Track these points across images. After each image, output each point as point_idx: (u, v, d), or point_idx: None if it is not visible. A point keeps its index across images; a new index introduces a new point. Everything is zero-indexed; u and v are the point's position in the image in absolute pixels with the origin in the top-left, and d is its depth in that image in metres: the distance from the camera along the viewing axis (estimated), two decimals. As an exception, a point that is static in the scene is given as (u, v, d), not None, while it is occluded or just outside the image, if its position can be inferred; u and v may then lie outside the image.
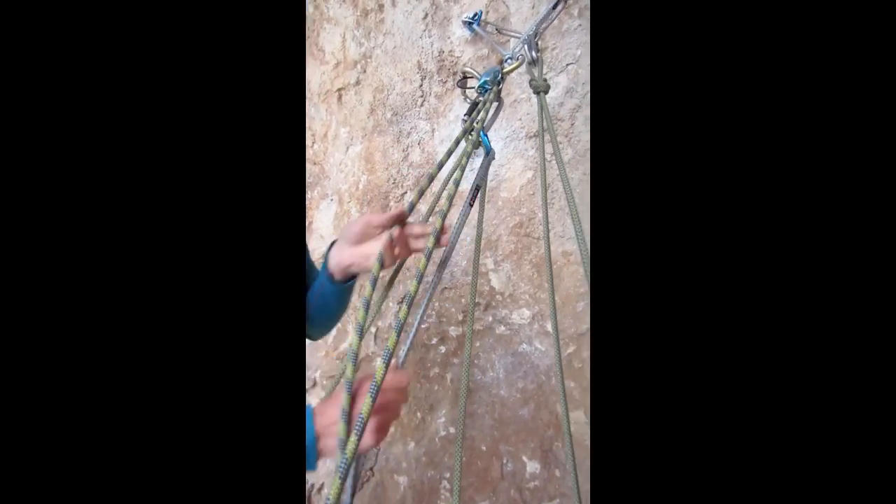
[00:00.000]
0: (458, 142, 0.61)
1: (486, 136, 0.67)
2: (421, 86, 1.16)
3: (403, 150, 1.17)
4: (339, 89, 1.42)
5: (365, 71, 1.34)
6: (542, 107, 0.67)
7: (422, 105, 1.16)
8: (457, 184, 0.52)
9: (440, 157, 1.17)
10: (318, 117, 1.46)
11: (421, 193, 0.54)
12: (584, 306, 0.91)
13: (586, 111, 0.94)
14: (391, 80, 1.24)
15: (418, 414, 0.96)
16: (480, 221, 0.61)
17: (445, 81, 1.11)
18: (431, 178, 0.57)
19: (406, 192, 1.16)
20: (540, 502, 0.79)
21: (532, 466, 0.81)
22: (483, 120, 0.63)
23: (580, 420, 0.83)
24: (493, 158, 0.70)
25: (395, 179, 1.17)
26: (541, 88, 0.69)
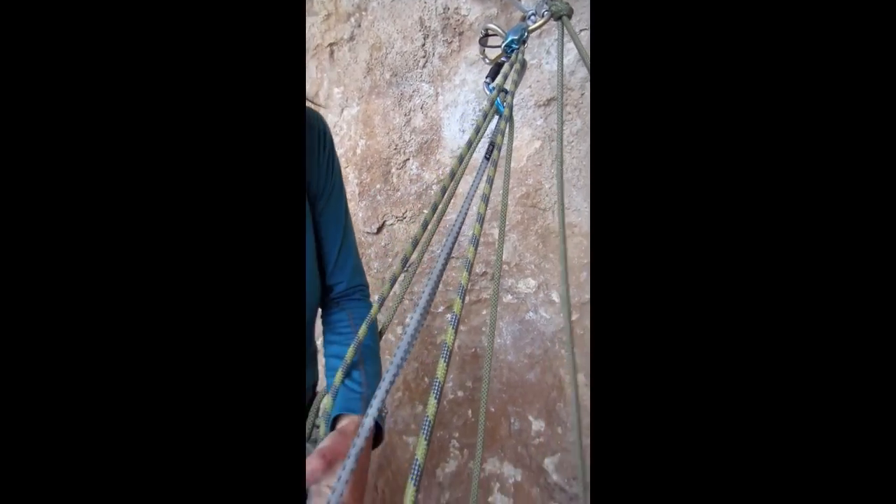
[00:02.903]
0: (492, 103, 0.57)
1: (500, 101, 0.64)
2: (423, 45, 1.10)
3: (405, 115, 1.12)
4: (331, 44, 1.33)
5: (360, 25, 1.25)
6: (565, 33, 0.60)
7: (424, 66, 1.11)
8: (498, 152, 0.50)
9: (445, 122, 1.13)
10: (308, 75, 1.37)
11: (454, 176, 0.52)
12: (586, 276, 0.95)
13: (597, 81, 0.92)
14: (390, 37, 1.16)
15: (426, 379, 1.00)
16: (507, 183, 0.60)
17: (450, 42, 1.05)
18: (460, 157, 0.54)
19: (409, 159, 1.13)
20: (544, 457, 0.86)
21: (537, 425, 0.87)
22: (516, 82, 0.59)
23: (581, 382, 0.89)
24: (508, 122, 0.66)
25: (396, 145, 1.14)
26: (563, 12, 0.58)
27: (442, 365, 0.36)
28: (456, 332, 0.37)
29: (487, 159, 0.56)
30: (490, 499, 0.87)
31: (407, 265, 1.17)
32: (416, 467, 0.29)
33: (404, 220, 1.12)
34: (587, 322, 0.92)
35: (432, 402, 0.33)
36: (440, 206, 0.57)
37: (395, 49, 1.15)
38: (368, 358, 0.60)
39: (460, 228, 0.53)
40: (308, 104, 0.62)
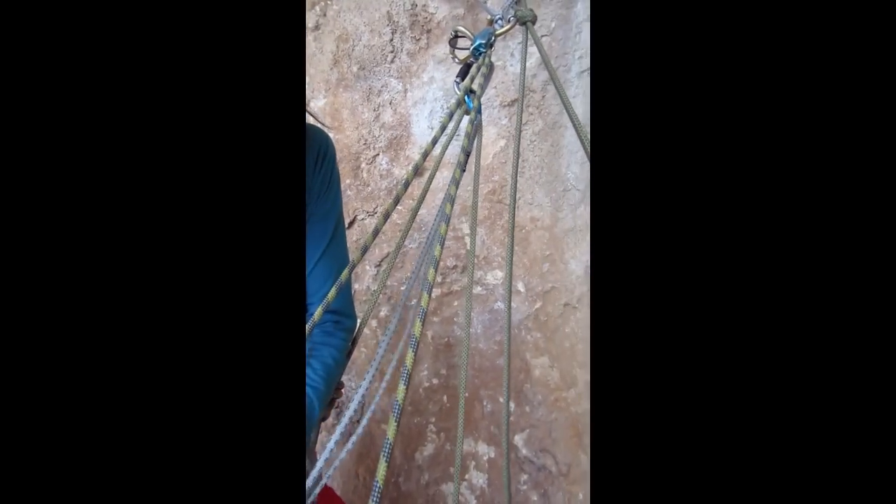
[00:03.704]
0: (458, 103, 0.60)
1: (469, 99, 0.66)
2: (391, 40, 1.10)
3: (374, 110, 1.13)
4: (294, 33, 1.30)
5: (325, 14, 1.23)
6: (529, 38, 0.63)
7: (392, 62, 1.11)
8: (467, 154, 0.53)
9: (414, 119, 1.15)
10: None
11: (416, 170, 0.54)
12: (548, 267, 1.02)
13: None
14: (357, 29, 1.16)
15: (402, 369, 1.04)
16: (476, 181, 0.63)
17: (418, 39, 1.07)
18: (424, 154, 0.56)
19: (378, 154, 1.14)
20: (514, 434, 0.93)
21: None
22: (482, 85, 0.62)
23: (545, 364, 0.97)
24: (479, 123, 0.68)
25: (366, 140, 1.14)
26: (527, 17, 0.62)
27: (410, 355, 0.39)
28: (423, 324, 0.40)
29: (463, 170, 0.60)
30: (467, 476, 0.94)
31: (381, 261, 1.19)
32: (387, 445, 0.33)
33: (375, 216, 1.14)
34: (550, 309, 0.99)
35: (401, 388, 0.37)
36: (415, 202, 0.60)
37: (362, 42, 1.15)
38: (314, 356, 0.55)
39: (438, 225, 0.56)
40: (312, 121, 0.60)
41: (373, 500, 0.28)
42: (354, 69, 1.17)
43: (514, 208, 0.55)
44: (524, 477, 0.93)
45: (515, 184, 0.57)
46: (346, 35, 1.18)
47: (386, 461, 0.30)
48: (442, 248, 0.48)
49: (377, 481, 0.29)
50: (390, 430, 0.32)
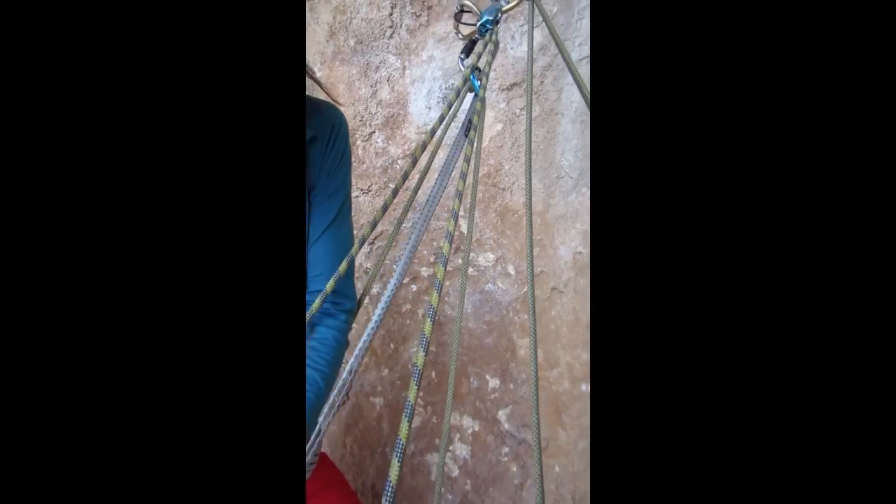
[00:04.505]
0: (465, 80, 0.60)
1: (475, 78, 0.66)
2: (391, 14, 1.08)
3: (371, 86, 1.11)
4: (289, 1, 1.25)
5: (322, -16, 1.19)
6: (534, 11, 0.63)
7: (391, 37, 1.09)
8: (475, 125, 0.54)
9: (412, 97, 1.14)
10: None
11: (423, 147, 0.54)
12: (538, 252, 1.05)
13: (556, 71, 0.99)
14: (355, 0, 1.13)
15: (391, 345, 1.06)
16: (477, 161, 0.64)
17: (419, 15, 1.05)
18: (431, 131, 0.56)
19: (374, 132, 1.13)
20: (498, 409, 0.97)
21: (493, 383, 0.98)
22: (489, 63, 0.62)
23: (526, 346, 1.01)
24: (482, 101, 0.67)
25: (362, 117, 1.13)
26: None
27: (428, 324, 0.41)
28: (440, 295, 0.41)
29: (466, 136, 0.59)
30: (451, 447, 0.98)
31: (374, 238, 1.19)
32: (409, 406, 0.34)
33: (370, 193, 1.14)
34: (537, 292, 1.03)
35: (420, 355, 0.38)
36: (419, 177, 0.60)
37: (360, 15, 1.12)
38: (316, 338, 0.55)
39: (436, 199, 0.57)
40: (327, 99, 0.59)
41: (386, 500, 0.27)
42: (351, 43, 1.15)
43: (531, 193, 0.56)
44: (505, 449, 0.98)
45: (530, 162, 0.58)
46: (343, 6, 1.15)
47: (408, 421, 0.31)
48: (456, 222, 0.48)
49: (390, 480, 0.28)
50: (411, 392, 0.33)
